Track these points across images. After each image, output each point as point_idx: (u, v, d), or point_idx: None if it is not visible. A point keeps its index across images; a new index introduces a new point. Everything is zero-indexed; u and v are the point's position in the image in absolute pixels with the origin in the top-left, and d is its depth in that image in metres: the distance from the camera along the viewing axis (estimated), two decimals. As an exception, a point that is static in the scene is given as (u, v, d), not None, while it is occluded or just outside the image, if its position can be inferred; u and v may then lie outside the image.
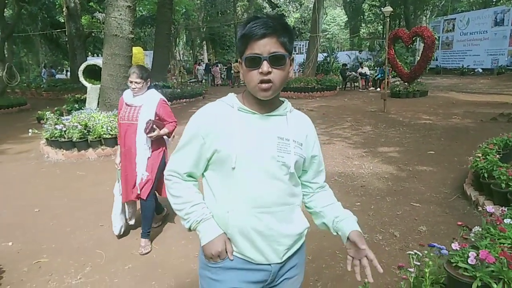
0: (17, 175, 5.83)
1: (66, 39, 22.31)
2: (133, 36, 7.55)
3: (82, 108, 8.87)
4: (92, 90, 9.63)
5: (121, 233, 3.44)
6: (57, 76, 29.45)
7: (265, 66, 1.14)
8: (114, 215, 3.38)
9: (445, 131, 7.66)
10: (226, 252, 1.25)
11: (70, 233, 3.69)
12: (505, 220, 2.17)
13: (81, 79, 9.69)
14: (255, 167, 1.21)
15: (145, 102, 3.15)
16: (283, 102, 1.33)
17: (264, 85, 1.17)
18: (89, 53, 28.13)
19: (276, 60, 1.15)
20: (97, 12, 27.37)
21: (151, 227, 3.34)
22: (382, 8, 11.40)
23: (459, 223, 2.27)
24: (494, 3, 27.76)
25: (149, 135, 3.07)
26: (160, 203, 3.67)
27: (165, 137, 3.35)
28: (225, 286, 1.26)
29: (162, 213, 3.78)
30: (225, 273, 1.27)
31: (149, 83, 3.19)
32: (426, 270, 1.85)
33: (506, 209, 2.38)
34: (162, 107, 3.20)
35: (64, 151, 6.60)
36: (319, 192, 1.44)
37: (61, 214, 4.15)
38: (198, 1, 34.51)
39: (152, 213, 3.32)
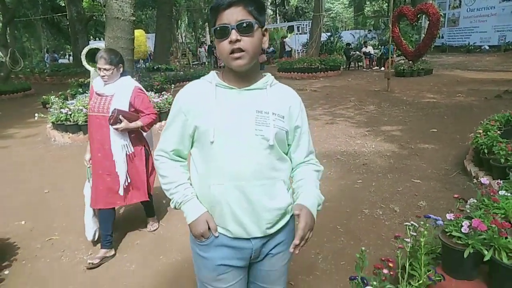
0: (25, 158, 5.95)
1: (68, 23, 22.23)
2: (134, 18, 7.50)
3: (87, 92, 8.92)
4: (95, 73, 9.62)
5: (95, 239, 3.06)
6: (60, 60, 29.40)
7: (233, 35, 1.15)
8: (86, 219, 3.01)
9: (449, 109, 7.64)
10: (210, 230, 1.30)
11: (79, 213, 3.76)
12: (500, 192, 2.23)
13: (84, 63, 9.71)
14: (233, 141, 1.23)
15: (117, 91, 2.78)
16: (264, 76, 1.33)
17: (236, 54, 1.17)
18: (91, 37, 27.99)
19: (244, 28, 1.16)
20: (98, -6, 27.11)
21: (112, 236, 2.95)
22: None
23: (456, 195, 2.34)
24: (502, -23, 27.05)
25: (114, 126, 2.69)
26: (153, 206, 3.40)
27: (145, 133, 3.04)
28: (212, 263, 1.32)
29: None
30: (212, 250, 1.32)
31: (121, 69, 2.80)
32: (422, 240, 1.92)
33: (502, 181, 2.44)
34: (138, 97, 2.84)
35: (71, 134, 6.71)
36: (301, 166, 1.41)
37: (70, 195, 4.26)
38: (199, -18, 33.97)
39: (110, 225, 2.93)
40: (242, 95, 1.27)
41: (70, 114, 6.74)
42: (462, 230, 1.87)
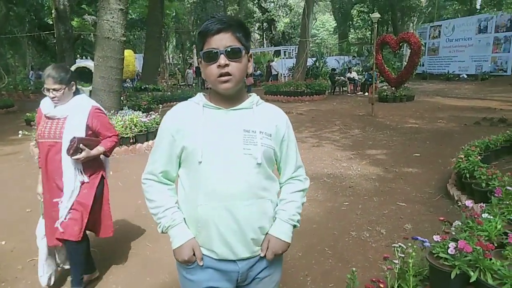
0: (7, 176, 5.81)
1: (55, 41, 22.19)
2: (125, 38, 7.62)
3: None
4: (83, 92, 9.64)
5: (51, 284, 2.64)
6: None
7: (222, 59, 1.20)
8: (40, 261, 2.62)
9: (431, 134, 7.87)
10: (195, 256, 1.30)
11: (63, 232, 3.73)
12: (483, 215, 2.31)
13: (71, 81, 9.70)
14: (221, 160, 1.24)
15: (71, 113, 2.41)
16: (250, 96, 1.37)
17: (224, 78, 1.22)
18: (78, 56, 27.95)
19: (232, 54, 1.21)
20: (87, 14, 27.27)
21: (83, 273, 2.61)
22: (370, 14, 11.63)
23: (441, 218, 2.40)
24: (478, 11, 28.51)
25: (73, 157, 2.34)
26: (93, 259, 2.81)
27: (102, 156, 2.65)
28: (198, 286, 1.32)
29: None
30: (198, 273, 1.32)
31: (73, 87, 2.44)
32: (410, 261, 1.96)
33: (484, 205, 2.53)
34: (96, 118, 2.48)
35: (55, 152, 6.59)
36: (286, 184, 1.44)
37: (53, 214, 4.17)
38: (189, 5, 34.63)
39: (83, 257, 2.55)
40: (229, 115, 1.29)
41: (56, 132, 6.65)
42: (449, 251, 1.92)
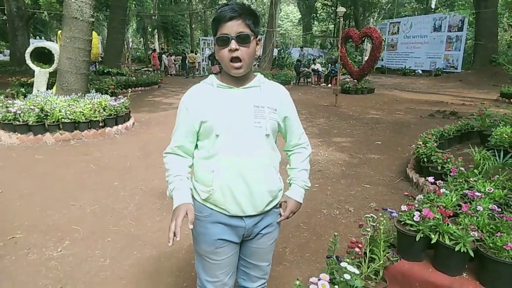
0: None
1: (4, 18, 20.75)
2: (93, 19, 7.41)
3: (29, 93, 8.50)
4: (41, 74, 9.25)
5: None
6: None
7: (233, 44, 1.34)
8: None
9: (390, 124, 8.42)
10: (188, 218, 1.40)
11: (41, 211, 3.72)
12: (441, 190, 2.66)
13: (28, 61, 9.25)
14: (235, 133, 1.41)
15: None
16: (256, 75, 1.53)
17: (236, 64, 1.37)
18: (31, 35, 26.29)
19: (242, 39, 1.35)
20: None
21: None
22: (337, 9, 12.03)
23: (406, 193, 2.73)
24: (433, 10, 30.11)
25: None
26: None
27: None
28: (211, 238, 1.51)
29: None
30: (210, 226, 1.50)
31: None
32: (381, 227, 2.25)
33: (442, 182, 2.89)
34: None
35: (19, 134, 6.38)
36: (295, 153, 1.68)
37: (28, 194, 4.13)
38: (152, -12, 33.59)
39: None
40: (241, 92, 1.46)
41: (20, 114, 6.42)
42: (414, 219, 2.23)
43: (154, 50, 26.58)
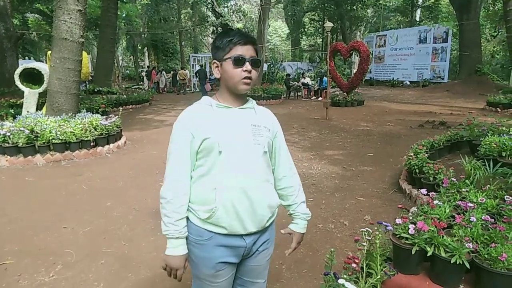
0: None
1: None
2: (83, 40, 7.43)
3: (18, 114, 8.44)
4: (30, 94, 9.20)
5: None
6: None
7: (248, 66, 1.47)
8: None
9: (381, 136, 8.51)
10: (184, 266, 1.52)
11: (32, 235, 3.65)
12: (434, 202, 2.68)
13: (17, 82, 9.20)
14: (238, 150, 1.46)
15: None
16: (248, 99, 1.62)
17: (247, 80, 1.48)
18: (20, 56, 26.22)
19: (255, 63, 1.49)
20: (29, 12, 25.71)
21: None
22: (324, 24, 12.27)
23: (399, 206, 2.75)
24: (417, 22, 30.83)
25: None
26: None
27: None
28: (212, 262, 1.50)
29: None
30: (210, 250, 1.49)
31: None
32: (377, 242, 2.25)
33: (434, 193, 2.92)
34: None
35: (8, 157, 6.30)
36: (288, 182, 1.69)
37: (18, 218, 4.06)
38: (140, 7, 33.86)
39: None
40: (239, 112, 1.53)
41: (9, 136, 6.35)
42: (409, 231, 2.24)
43: (154, 68, 26.62)
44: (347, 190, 4.92)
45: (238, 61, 1.46)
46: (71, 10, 6.98)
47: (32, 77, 9.39)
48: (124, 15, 29.38)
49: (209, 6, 37.92)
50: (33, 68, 9.30)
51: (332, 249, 2.08)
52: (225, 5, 37.78)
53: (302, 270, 2.98)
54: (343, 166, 6.10)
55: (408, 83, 23.52)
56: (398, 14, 33.46)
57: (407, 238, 2.27)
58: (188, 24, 37.69)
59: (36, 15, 28.36)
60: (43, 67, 9.14)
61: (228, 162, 1.45)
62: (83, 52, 10.72)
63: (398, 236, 2.33)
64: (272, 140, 1.61)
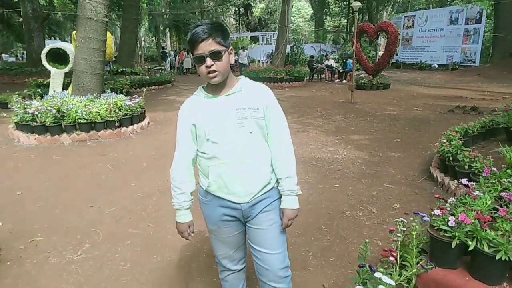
0: (-12, 159, 5.63)
1: (20, 20, 21.01)
2: (107, 19, 7.40)
3: (45, 93, 8.57)
4: (56, 74, 9.33)
5: None
6: (9, 59, 27.68)
7: (208, 61, 1.55)
8: None
9: (409, 121, 8.21)
10: (189, 231, 1.80)
11: (60, 213, 3.71)
12: (474, 192, 2.52)
13: (44, 62, 9.33)
14: (223, 134, 1.62)
15: None
16: (239, 79, 1.71)
17: (211, 74, 1.58)
18: (46, 36, 26.67)
19: (215, 56, 1.55)
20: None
21: None
22: (351, 3, 11.82)
23: (436, 196, 2.60)
24: (449, 2, 29.40)
25: None
26: None
27: None
28: (213, 219, 1.79)
29: None
30: (211, 209, 1.77)
31: None
32: (413, 233, 2.14)
33: (474, 183, 2.75)
34: None
35: (37, 135, 6.43)
36: (279, 159, 1.73)
37: (46, 196, 4.13)
38: (163, -13, 33.66)
39: None
40: (225, 99, 1.66)
41: (37, 115, 6.46)
42: (449, 224, 2.11)
43: (184, 49, 26.55)
44: (375, 177, 4.76)
45: (198, 60, 1.57)
46: (96, -12, 6.92)
47: (58, 57, 9.51)
48: (146, -5, 29.29)
49: (231, -14, 37.35)
50: (59, 48, 9.39)
51: (367, 240, 1.98)
52: (247, -15, 37.08)
53: (330, 258, 2.90)
54: (370, 151, 5.92)
55: (437, 66, 22.59)
56: (428, -7, 31.97)
57: (445, 231, 2.14)
58: (210, 4, 37.25)
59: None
60: (68, 47, 9.21)
61: (217, 146, 1.63)
62: (107, 32, 10.76)
63: (436, 228, 2.20)
64: (264, 116, 1.68)
